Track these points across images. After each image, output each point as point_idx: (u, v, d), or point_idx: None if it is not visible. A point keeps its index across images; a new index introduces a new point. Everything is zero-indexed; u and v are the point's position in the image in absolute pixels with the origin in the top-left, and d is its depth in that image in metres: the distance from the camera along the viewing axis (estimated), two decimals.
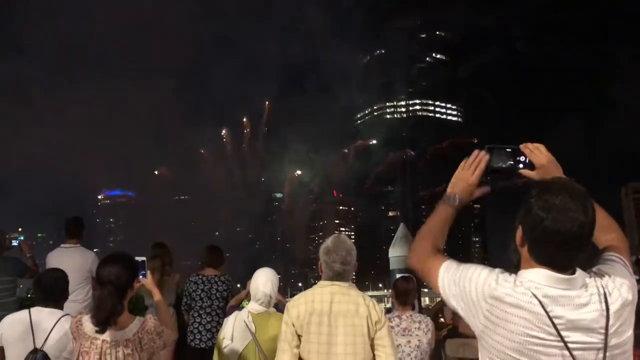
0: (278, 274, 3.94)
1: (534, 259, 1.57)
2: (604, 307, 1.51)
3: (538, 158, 1.84)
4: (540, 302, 1.49)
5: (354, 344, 2.94)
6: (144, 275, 3.06)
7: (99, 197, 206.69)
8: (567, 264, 1.55)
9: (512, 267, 1.62)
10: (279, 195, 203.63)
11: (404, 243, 9.35)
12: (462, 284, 1.63)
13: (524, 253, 1.61)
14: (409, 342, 4.29)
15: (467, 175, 1.89)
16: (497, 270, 1.61)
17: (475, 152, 1.90)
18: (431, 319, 4.58)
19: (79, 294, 5.50)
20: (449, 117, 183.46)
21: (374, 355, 2.98)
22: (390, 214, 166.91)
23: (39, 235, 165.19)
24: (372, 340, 2.98)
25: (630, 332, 1.56)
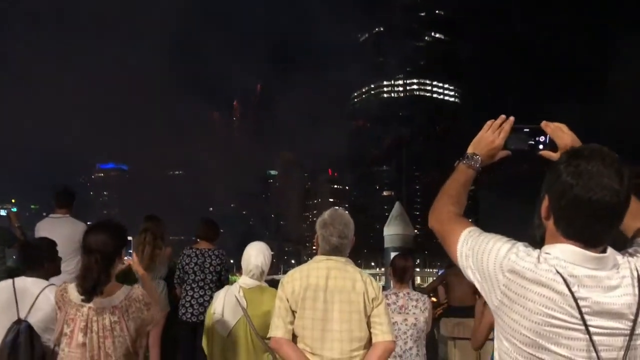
0: (272, 251, 3.82)
1: (561, 232, 1.42)
2: (636, 292, 1.36)
3: (561, 138, 1.68)
4: (565, 280, 1.34)
5: (349, 321, 2.84)
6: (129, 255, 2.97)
7: (93, 170, 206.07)
8: (598, 238, 1.40)
9: (536, 244, 1.47)
10: (273, 172, 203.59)
11: (400, 222, 9.27)
12: (480, 255, 1.49)
13: (549, 226, 1.46)
14: (406, 320, 4.23)
15: (491, 137, 1.75)
16: (520, 243, 1.47)
17: (502, 116, 1.76)
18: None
19: (69, 264, 5.37)
20: (446, 98, 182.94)
21: (370, 332, 2.89)
22: (385, 193, 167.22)
23: (32, 207, 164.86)
24: (368, 317, 2.88)
25: None
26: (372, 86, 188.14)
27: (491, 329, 3.66)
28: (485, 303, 4.00)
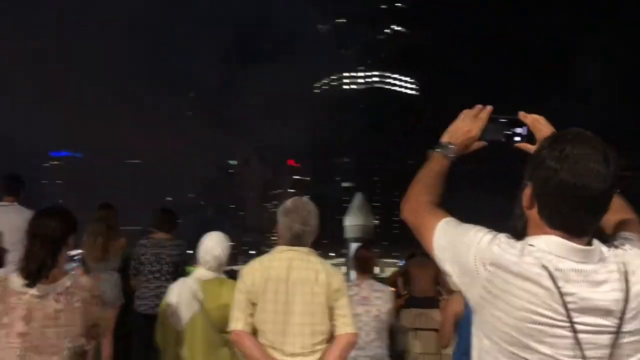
0: (231, 242, 3.69)
1: (545, 221, 1.32)
2: (623, 287, 1.27)
3: (539, 131, 1.58)
4: (550, 275, 1.25)
5: (312, 313, 2.74)
6: None
7: (46, 158, 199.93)
8: (583, 228, 1.31)
9: (517, 235, 1.36)
10: (233, 162, 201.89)
11: (360, 212, 9.26)
12: (459, 247, 1.39)
13: (533, 216, 1.36)
14: (368, 311, 4.18)
15: (468, 126, 1.64)
16: (502, 234, 1.36)
17: (479, 105, 1.66)
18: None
19: (15, 255, 5.10)
20: (406, 90, 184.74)
21: (332, 324, 2.80)
22: (345, 184, 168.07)
23: None
24: (331, 309, 2.79)
25: None
26: (333, 77, 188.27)
27: (457, 318, 3.64)
28: (451, 296, 4.00)
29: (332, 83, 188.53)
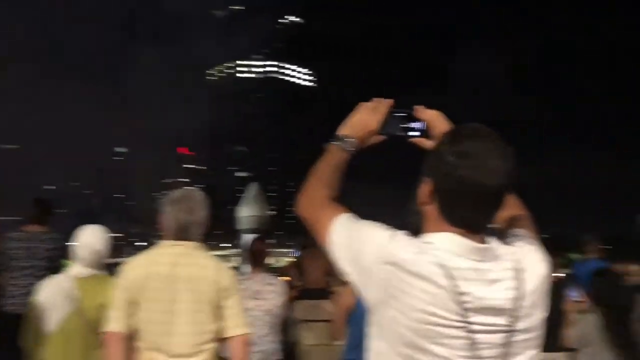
0: (115, 234, 3.41)
1: (443, 218, 1.29)
2: (517, 285, 1.27)
3: (437, 126, 1.54)
4: (447, 274, 1.22)
5: (199, 312, 2.56)
6: None
7: None
8: (481, 225, 1.29)
9: (414, 232, 1.32)
10: (121, 149, 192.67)
11: (255, 203, 9.13)
12: (356, 245, 1.32)
13: (430, 212, 1.32)
14: (261, 305, 4.09)
15: (367, 120, 1.56)
16: (400, 232, 1.31)
17: (378, 98, 1.59)
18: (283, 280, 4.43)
19: None
20: (301, 82, 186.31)
21: (222, 324, 2.64)
22: (240, 174, 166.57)
23: None
24: (220, 308, 2.62)
25: (542, 316, 1.34)
26: (229, 65, 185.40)
27: (348, 311, 3.64)
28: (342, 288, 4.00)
29: (227, 71, 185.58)
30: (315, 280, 5.55)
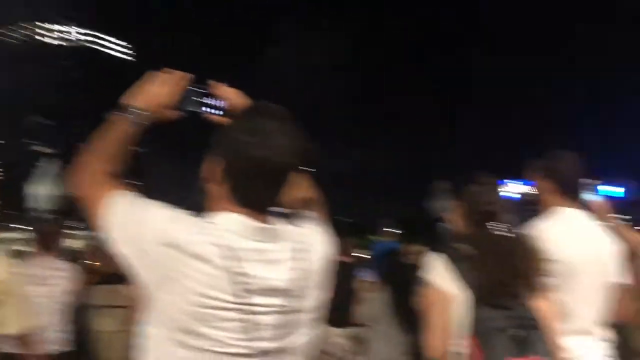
0: None
1: (229, 197, 1.27)
2: (297, 266, 1.28)
3: (233, 104, 1.47)
4: (226, 255, 1.19)
5: None
6: None
7: None
8: (267, 204, 1.29)
9: (200, 211, 1.29)
10: None
11: (52, 181, 8.37)
12: (132, 225, 1.23)
13: (216, 190, 1.29)
14: (50, 291, 3.83)
15: (161, 93, 1.42)
16: (182, 211, 1.25)
17: (175, 71, 1.47)
18: (80, 264, 4.17)
19: None
20: (118, 54, 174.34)
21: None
22: (38, 148, 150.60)
23: None
24: None
25: (324, 296, 1.35)
26: (24, 25, 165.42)
27: None
28: None
29: (26, 32, 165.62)
30: (113, 264, 5.30)
